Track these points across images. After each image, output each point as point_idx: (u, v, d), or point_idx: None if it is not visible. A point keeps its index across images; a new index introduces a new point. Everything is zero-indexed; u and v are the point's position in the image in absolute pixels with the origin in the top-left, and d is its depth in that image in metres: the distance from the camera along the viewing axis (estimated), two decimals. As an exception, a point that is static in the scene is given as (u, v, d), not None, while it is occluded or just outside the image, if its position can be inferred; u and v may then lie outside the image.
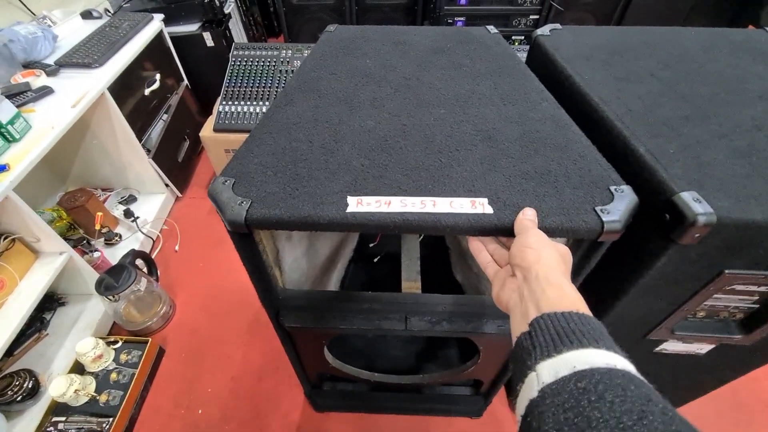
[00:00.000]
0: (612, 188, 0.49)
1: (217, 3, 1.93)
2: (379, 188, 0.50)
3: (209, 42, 1.94)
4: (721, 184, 0.50)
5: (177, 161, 1.79)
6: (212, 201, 0.50)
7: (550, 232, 0.47)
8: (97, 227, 1.35)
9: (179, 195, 1.80)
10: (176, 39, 1.86)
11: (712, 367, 0.77)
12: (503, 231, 0.47)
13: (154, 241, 1.60)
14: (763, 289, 0.59)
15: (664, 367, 0.79)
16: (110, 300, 1.18)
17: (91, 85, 1.27)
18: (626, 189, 0.49)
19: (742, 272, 0.54)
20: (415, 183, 0.51)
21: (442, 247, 1.14)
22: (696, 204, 0.47)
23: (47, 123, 1.13)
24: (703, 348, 0.73)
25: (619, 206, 0.47)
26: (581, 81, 0.69)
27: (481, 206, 0.48)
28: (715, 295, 0.61)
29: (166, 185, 1.73)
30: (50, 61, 1.38)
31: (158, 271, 1.44)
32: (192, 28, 1.92)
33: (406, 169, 0.53)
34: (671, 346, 0.73)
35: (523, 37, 2.06)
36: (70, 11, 1.67)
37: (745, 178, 0.51)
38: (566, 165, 0.53)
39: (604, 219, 0.46)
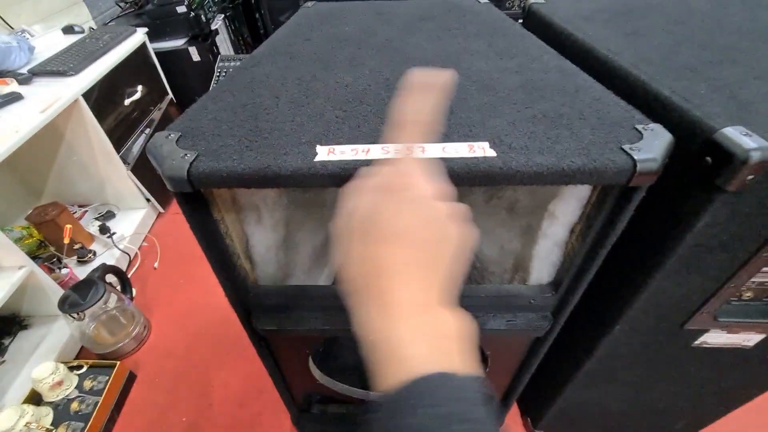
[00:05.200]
0: (639, 127, 0.41)
1: (203, 18, 1.92)
2: (356, 138, 0.41)
3: (195, 56, 1.91)
4: (770, 121, 0.41)
5: (160, 176, 1.71)
6: (150, 156, 0.40)
7: (570, 177, 0.37)
8: (66, 241, 1.24)
9: (161, 211, 1.70)
10: (162, 54, 1.82)
11: (762, 362, 0.66)
12: (511, 177, 0.37)
13: (131, 259, 1.49)
14: (822, 257, 0.49)
15: (705, 366, 0.68)
16: (74, 318, 1.06)
17: (63, 91, 1.21)
18: (656, 127, 0.41)
19: (803, 230, 0.44)
20: (400, 131, 0.42)
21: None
22: (746, 138, 0.38)
23: (11, 127, 1.05)
24: (750, 339, 0.62)
25: (652, 143, 0.38)
26: (585, 37, 0.62)
27: (481, 150, 0.39)
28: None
29: (147, 200, 1.64)
30: (24, 71, 1.32)
31: (133, 289, 1.32)
32: (178, 43, 1.90)
33: (389, 120, 0.44)
34: (713, 338, 0.62)
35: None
36: (51, 26, 1.63)
37: (796, 113, 0.42)
38: (580, 108, 0.45)
39: (636, 157, 0.37)
